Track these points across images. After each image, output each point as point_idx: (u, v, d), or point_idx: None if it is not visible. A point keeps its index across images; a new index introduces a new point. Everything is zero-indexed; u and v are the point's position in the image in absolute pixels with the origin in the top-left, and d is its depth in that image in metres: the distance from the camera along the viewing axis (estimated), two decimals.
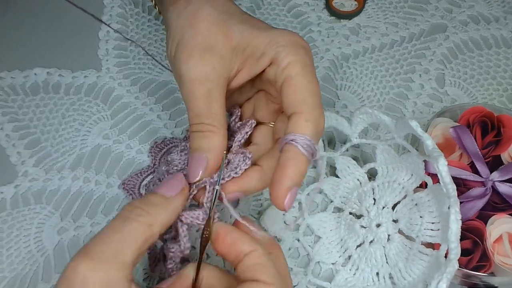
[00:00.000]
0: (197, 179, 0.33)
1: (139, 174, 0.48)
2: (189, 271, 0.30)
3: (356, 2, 0.60)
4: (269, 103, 0.38)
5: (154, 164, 0.48)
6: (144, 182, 0.47)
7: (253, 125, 0.37)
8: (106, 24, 0.56)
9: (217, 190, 0.33)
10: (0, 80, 0.53)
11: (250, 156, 0.34)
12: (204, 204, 0.33)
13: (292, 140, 0.31)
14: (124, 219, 0.28)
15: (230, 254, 0.31)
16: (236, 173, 0.34)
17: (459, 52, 0.57)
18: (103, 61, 0.55)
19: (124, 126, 0.51)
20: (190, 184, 0.33)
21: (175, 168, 0.38)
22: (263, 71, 0.35)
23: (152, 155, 0.49)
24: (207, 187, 0.33)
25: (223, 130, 0.33)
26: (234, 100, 0.40)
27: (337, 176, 0.46)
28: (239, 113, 0.39)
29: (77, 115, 0.51)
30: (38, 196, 0.47)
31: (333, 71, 0.55)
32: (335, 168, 0.46)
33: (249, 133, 0.37)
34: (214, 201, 0.32)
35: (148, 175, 0.48)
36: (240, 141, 0.36)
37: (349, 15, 0.59)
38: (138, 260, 0.28)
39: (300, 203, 0.46)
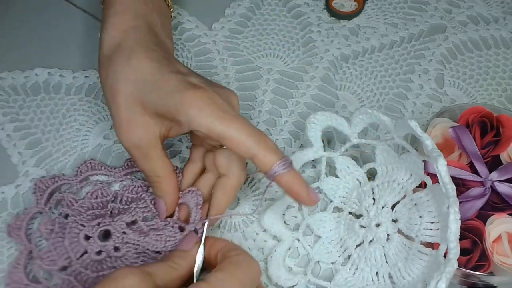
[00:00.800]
0: (164, 217, 0.41)
1: (23, 216, 0.43)
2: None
3: (355, 3, 0.60)
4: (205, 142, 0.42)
5: (38, 203, 0.44)
6: (31, 226, 0.44)
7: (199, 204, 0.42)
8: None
9: (206, 222, 0.40)
10: (1, 80, 0.53)
11: (200, 193, 0.42)
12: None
13: (275, 173, 0.36)
14: (162, 262, 0.36)
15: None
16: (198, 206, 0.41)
17: (458, 52, 0.57)
18: None
19: None
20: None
21: (74, 218, 0.42)
22: None
23: (36, 194, 0.44)
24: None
25: (167, 178, 0.40)
26: None
27: (336, 176, 0.46)
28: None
29: (78, 115, 0.52)
30: None
31: (332, 71, 0.55)
32: (334, 168, 0.46)
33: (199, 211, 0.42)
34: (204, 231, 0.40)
35: (34, 216, 0.44)
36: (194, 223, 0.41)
37: (349, 16, 0.59)
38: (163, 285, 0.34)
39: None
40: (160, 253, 0.41)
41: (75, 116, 0.51)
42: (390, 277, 0.40)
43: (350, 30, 0.59)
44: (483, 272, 0.39)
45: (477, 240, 0.39)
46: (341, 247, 0.44)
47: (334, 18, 0.59)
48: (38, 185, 0.45)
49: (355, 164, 0.46)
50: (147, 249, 0.41)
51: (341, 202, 0.45)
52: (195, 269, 0.37)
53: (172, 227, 0.41)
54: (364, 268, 0.41)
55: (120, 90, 0.38)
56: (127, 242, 0.41)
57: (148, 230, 0.41)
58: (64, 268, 0.40)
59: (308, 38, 0.58)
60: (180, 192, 0.42)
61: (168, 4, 0.47)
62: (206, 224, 0.40)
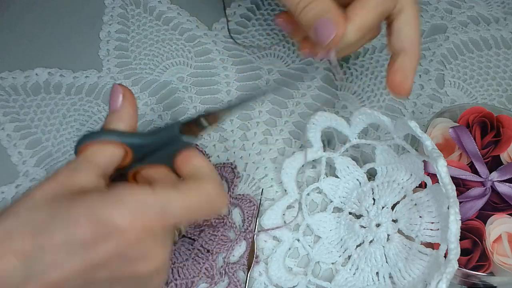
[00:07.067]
0: (332, 37, 0.33)
1: None
2: None
3: None
4: None
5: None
6: None
7: None
8: None
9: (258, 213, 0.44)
10: (1, 80, 0.53)
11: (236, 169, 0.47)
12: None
13: None
14: None
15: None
16: None
17: (459, 52, 0.57)
18: (104, 61, 0.55)
19: None
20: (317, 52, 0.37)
21: None
22: None
23: None
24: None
25: None
26: None
27: (336, 176, 0.46)
28: None
29: (78, 115, 0.52)
30: None
31: (333, 71, 0.55)
32: (334, 168, 0.46)
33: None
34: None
35: None
36: None
37: None
38: None
39: (300, 203, 0.46)
40: (211, 253, 0.43)
41: (75, 116, 0.52)
42: (391, 277, 0.40)
43: None
44: (483, 272, 0.39)
45: (477, 240, 0.39)
46: (341, 247, 0.44)
47: None
48: None
49: (355, 164, 0.46)
50: (201, 245, 0.43)
51: (341, 202, 0.45)
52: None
53: (225, 224, 0.44)
54: (364, 269, 0.41)
55: None
56: (184, 236, 0.43)
57: (203, 224, 0.44)
58: None
59: None
60: (216, 164, 0.47)
61: None
62: (254, 236, 0.44)
